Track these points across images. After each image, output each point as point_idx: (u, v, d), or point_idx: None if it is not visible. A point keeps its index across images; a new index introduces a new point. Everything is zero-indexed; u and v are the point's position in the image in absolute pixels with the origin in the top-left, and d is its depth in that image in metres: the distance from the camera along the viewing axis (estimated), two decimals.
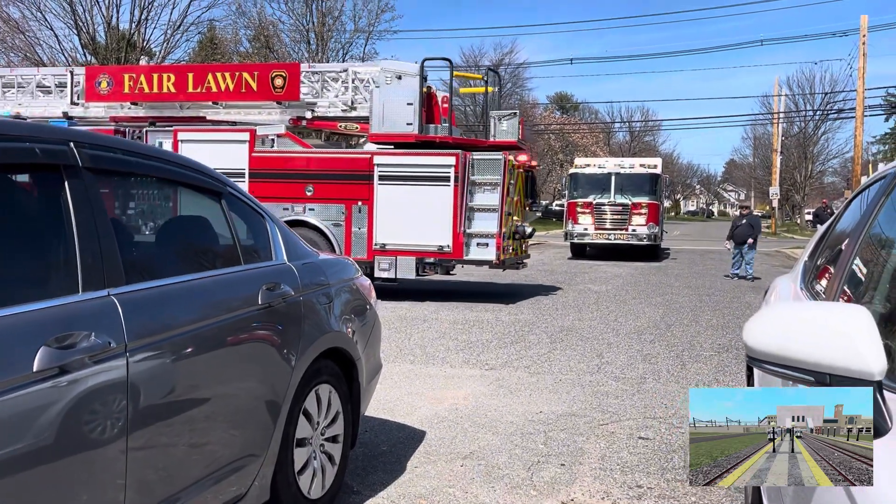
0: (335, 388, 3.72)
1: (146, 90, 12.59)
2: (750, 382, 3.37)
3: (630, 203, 21.31)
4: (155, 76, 12.67)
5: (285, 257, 3.56)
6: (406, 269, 11.61)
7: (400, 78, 11.63)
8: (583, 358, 7.72)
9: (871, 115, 67.82)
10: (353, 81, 12.40)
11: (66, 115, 13.02)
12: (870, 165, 34.73)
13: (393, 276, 11.67)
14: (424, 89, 11.87)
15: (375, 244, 11.67)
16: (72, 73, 13.23)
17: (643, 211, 21.38)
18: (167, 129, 12.38)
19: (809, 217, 49.52)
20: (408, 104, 11.58)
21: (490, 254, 11.47)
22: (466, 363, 7.40)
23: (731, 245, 16.94)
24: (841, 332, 1.42)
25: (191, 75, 12.61)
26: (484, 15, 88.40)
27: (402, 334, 8.84)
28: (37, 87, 13.48)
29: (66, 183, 2.34)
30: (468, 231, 11.44)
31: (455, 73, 12.82)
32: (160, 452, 2.55)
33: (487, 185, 11.45)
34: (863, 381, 1.40)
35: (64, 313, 2.20)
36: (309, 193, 11.82)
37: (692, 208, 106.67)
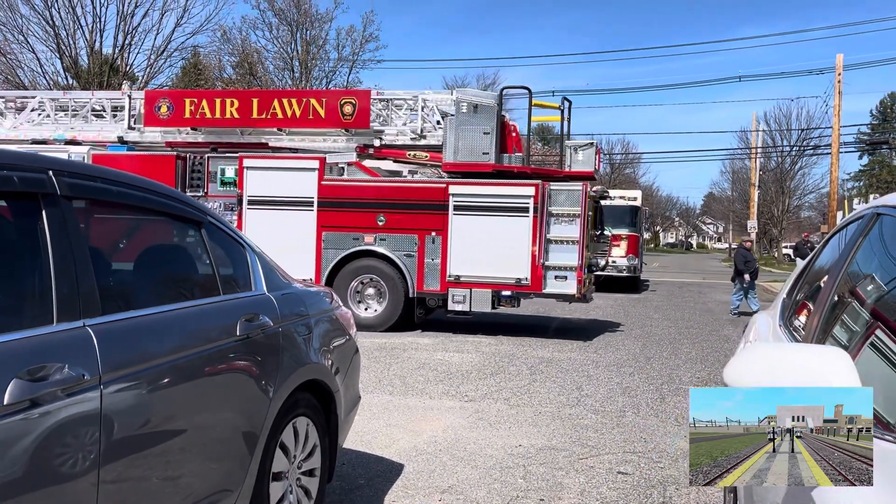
0: (313, 420, 3.68)
1: (208, 115, 12.33)
2: None
3: (610, 235, 21.42)
4: (217, 101, 12.42)
5: (265, 288, 3.53)
6: (481, 302, 11.35)
7: (476, 107, 11.43)
8: (562, 390, 7.70)
9: (845, 152, 69.02)
10: (422, 109, 12.17)
11: (121, 140, 12.70)
12: (845, 201, 35.26)
13: (467, 309, 11.42)
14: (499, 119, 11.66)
15: (449, 276, 11.37)
16: (129, 97, 12.97)
17: (623, 243, 21.49)
18: (230, 154, 12.16)
19: (788, 251, 50.07)
20: (484, 133, 11.38)
21: (571, 287, 11.11)
22: (446, 394, 7.35)
23: (742, 281, 16.18)
24: (821, 376, 1.43)
25: (255, 101, 12.36)
26: (468, 46, 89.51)
27: (382, 364, 8.78)
28: (90, 111, 13.21)
29: (43, 212, 2.31)
30: (546, 264, 11.11)
31: (534, 102, 12.68)
32: (133, 486, 2.49)
33: (566, 216, 11.13)
34: None
35: (37, 345, 2.16)
36: (380, 223, 11.53)
37: (671, 240, 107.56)
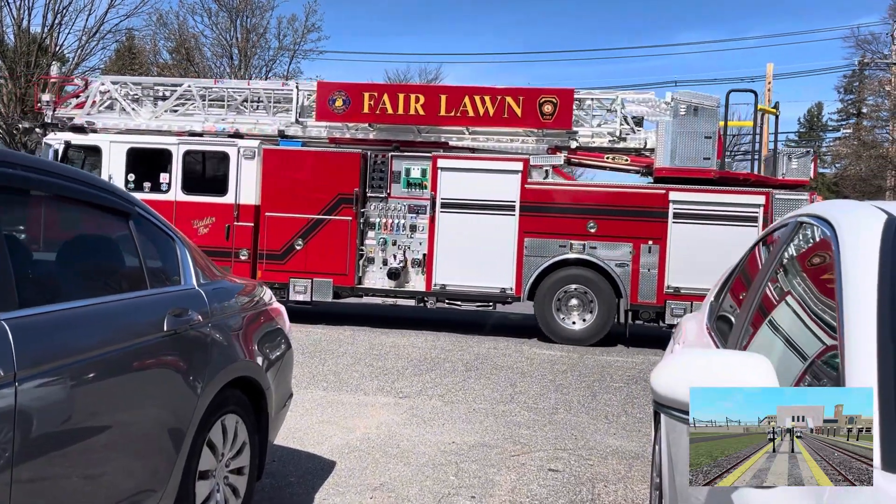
0: (242, 418, 3.61)
1: (389, 111, 11.45)
2: (657, 424, 3.44)
3: None
4: (401, 96, 11.53)
5: (195, 282, 3.44)
6: None
7: (696, 109, 10.84)
8: (496, 387, 7.76)
9: None
10: (621, 109, 11.53)
11: (281, 134, 11.95)
12: None
13: None
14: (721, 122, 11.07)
15: (667, 287, 10.71)
16: (297, 88, 12.21)
17: None
18: (413, 154, 11.43)
19: None
20: (706, 137, 10.77)
21: None
22: (380, 390, 7.32)
23: None
24: (743, 383, 1.46)
25: (444, 97, 11.50)
26: (410, 40, 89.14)
27: (316, 359, 8.69)
28: (243, 102, 12.35)
29: None
30: None
31: (758, 106, 12.09)
32: (51, 485, 2.41)
33: None
34: None
35: None
36: (591, 230, 10.80)
37: None
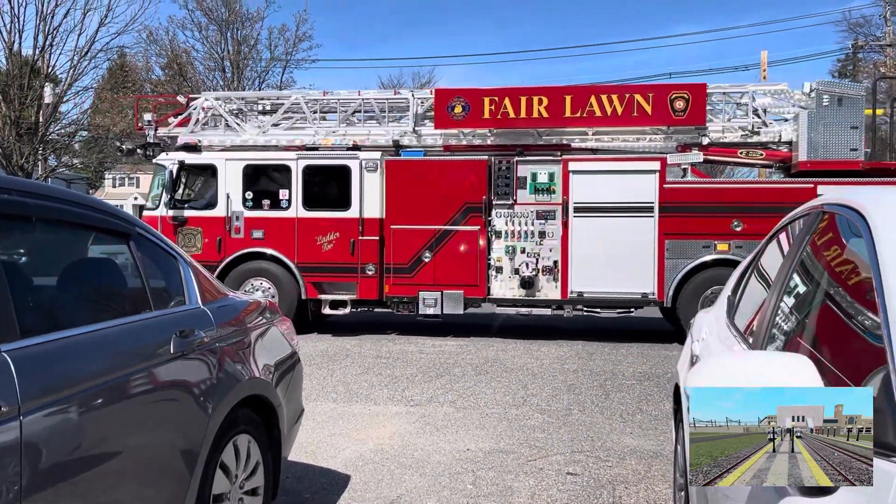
0: (254, 437, 3.53)
1: (511, 115, 11.23)
2: (678, 424, 3.36)
3: None
4: (523, 99, 11.22)
5: (199, 300, 3.37)
6: None
7: (841, 100, 10.54)
8: (508, 390, 7.67)
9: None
10: (752, 102, 11.26)
11: (396, 144, 11.75)
12: None
13: None
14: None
15: None
16: (413, 95, 12.05)
17: None
18: (544, 158, 11.20)
19: None
20: (852, 128, 10.50)
21: None
22: (391, 399, 7.24)
23: None
24: (784, 384, 1.38)
25: (568, 98, 11.17)
26: (403, 44, 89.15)
27: (325, 371, 8.61)
28: (354, 113, 12.23)
29: None
30: None
31: None
32: None
33: None
34: None
35: None
36: (736, 229, 10.45)
37: None
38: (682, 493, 3.27)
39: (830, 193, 2.41)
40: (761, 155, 11.37)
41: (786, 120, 11.29)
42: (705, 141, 11.22)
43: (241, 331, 3.58)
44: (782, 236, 2.86)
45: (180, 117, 12.65)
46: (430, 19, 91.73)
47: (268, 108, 12.81)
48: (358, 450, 5.52)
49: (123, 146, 13.37)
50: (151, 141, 12.55)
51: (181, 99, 13.41)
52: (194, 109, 12.49)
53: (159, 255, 3.27)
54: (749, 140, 11.27)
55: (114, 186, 63.48)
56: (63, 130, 29.32)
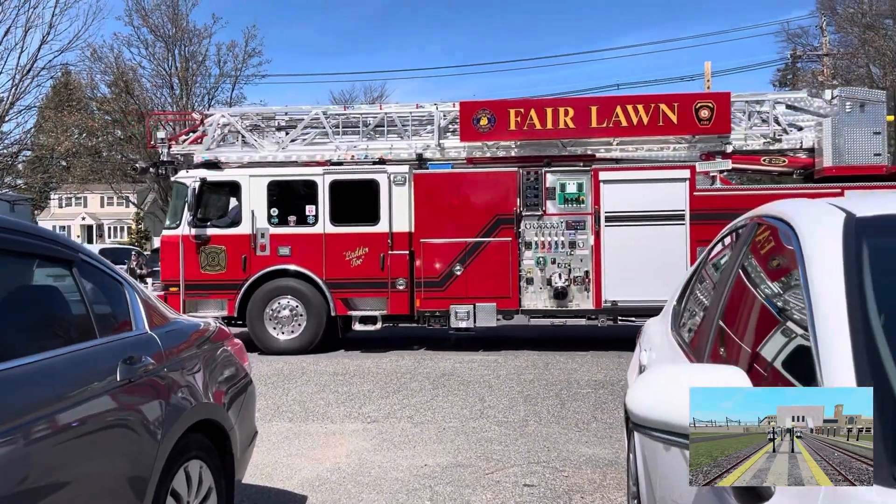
0: (206, 462, 3.48)
1: (537, 126, 11.26)
2: (630, 433, 3.41)
3: None
4: (549, 111, 11.31)
5: (146, 326, 3.31)
6: None
7: (863, 106, 10.82)
8: (465, 403, 7.69)
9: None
10: (772, 110, 11.46)
11: (419, 157, 11.68)
12: None
13: None
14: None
15: None
16: (437, 108, 11.91)
17: None
18: (572, 168, 11.23)
19: None
20: (875, 133, 10.77)
21: None
22: (348, 417, 7.19)
23: None
24: None
25: (594, 108, 11.29)
26: (355, 58, 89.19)
27: (280, 390, 8.51)
28: (376, 127, 12.02)
29: None
30: None
31: None
32: None
33: None
34: None
35: None
36: None
37: None
38: (636, 500, 3.32)
39: (767, 206, 2.49)
40: (783, 162, 11.61)
41: (800, 129, 11.59)
42: (729, 149, 11.40)
43: (190, 355, 3.53)
44: (722, 246, 2.94)
45: (194, 134, 12.43)
46: (382, 34, 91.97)
47: (282, 123, 12.60)
48: (315, 470, 5.47)
49: (137, 165, 13.09)
50: (165, 159, 12.34)
51: (196, 115, 13.19)
52: (209, 126, 12.27)
53: (104, 280, 3.22)
54: (771, 147, 11.55)
55: (60, 207, 62.00)
56: (5, 150, 28.61)
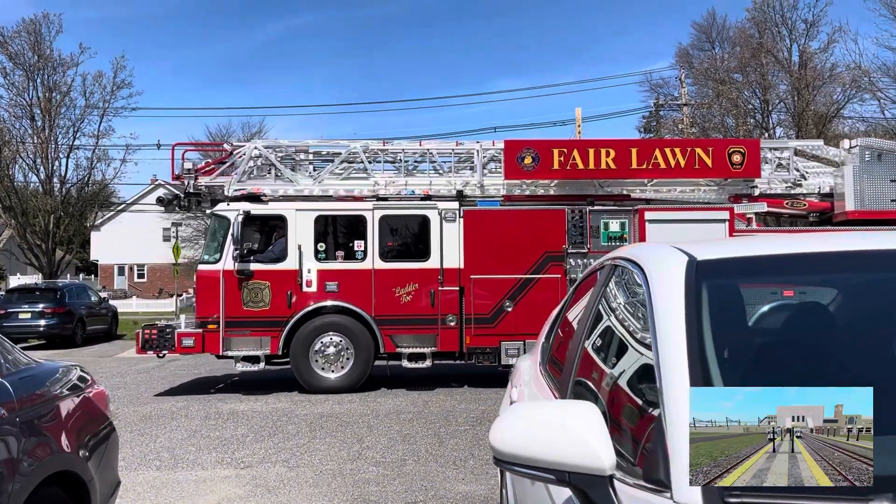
0: None
1: (579, 166, 11.42)
2: (503, 479, 3.50)
3: None
4: (591, 151, 11.49)
5: None
6: None
7: (880, 155, 11.63)
8: (343, 445, 7.59)
9: None
10: (792, 158, 12.14)
11: (460, 194, 11.53)
12: None
13: None
14: None
15: None
16: (480, 146, 11.81)
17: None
18: (616, 207, 11.41)
19: None
20: (892, 181, 11.55)
21: None
22: (220, 463, 6.94)
23: None
24: (574, 431, 1.51)
25: (634, 150, 11.59)
26: (233, 93, 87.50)
27: (147, 437, 8.11)
28: (415, 162, 11.84)
29: None
30: None
31: None
32: None
33: None
34: (597, 476, 1.49)
35: None
36: None
37: None
38: None
39: (622, 249, 2.66)
40: (805, 205, 12.50)
41: (810, 175, 12.45)
42: (756, 192, 12.09)
43: (46, 402, 3.34)
44: (584, 287, 3.10)
45: (223, 166, 11.84)
46: (260, 70, 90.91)
47: (311, 157, 12.26)
48: None
49: (162, 196, 12.26)
50: (191, 191, 11.70)
51: (227, 147, 12.50)
52: (240, 158, 11.72)
53: None
54: (792, 191, 12.32)
55: None
56: None
